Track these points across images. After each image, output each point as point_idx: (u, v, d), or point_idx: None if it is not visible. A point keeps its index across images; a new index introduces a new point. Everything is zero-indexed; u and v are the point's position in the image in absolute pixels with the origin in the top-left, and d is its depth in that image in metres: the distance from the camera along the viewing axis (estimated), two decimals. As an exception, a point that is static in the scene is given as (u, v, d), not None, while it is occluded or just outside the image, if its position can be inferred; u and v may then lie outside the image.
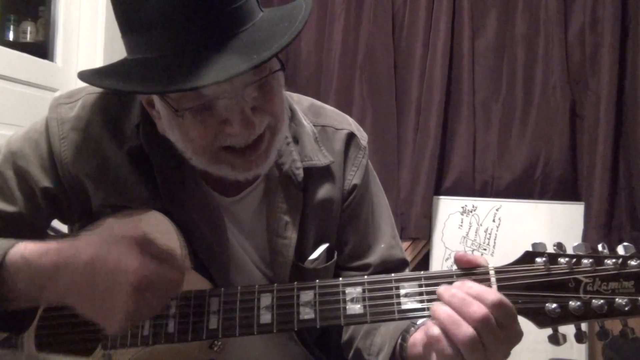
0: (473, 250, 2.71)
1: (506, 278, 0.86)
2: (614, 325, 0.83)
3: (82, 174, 1.04)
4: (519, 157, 2.78)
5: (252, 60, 0.83)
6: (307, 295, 0.91)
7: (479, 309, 0.79)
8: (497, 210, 2.75)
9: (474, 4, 2.85)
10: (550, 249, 0.86)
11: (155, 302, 0.87)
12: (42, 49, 2.75)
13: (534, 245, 0.87)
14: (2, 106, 2.28)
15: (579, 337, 0.84)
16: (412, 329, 0.94)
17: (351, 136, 1.17)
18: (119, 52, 0.96)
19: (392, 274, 0.90)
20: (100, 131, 1.05)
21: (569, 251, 0.86)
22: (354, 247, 1.17)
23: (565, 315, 0.83)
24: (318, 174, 1.12)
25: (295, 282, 0.93)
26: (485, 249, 2.72)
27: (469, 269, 0.88)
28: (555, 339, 0.84)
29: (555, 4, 2.73)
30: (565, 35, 2.73)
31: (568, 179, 2.73)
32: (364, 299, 0.89)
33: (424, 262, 2.83)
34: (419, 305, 0.87)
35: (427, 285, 0.88)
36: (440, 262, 2.77)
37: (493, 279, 0.86)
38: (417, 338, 0.89)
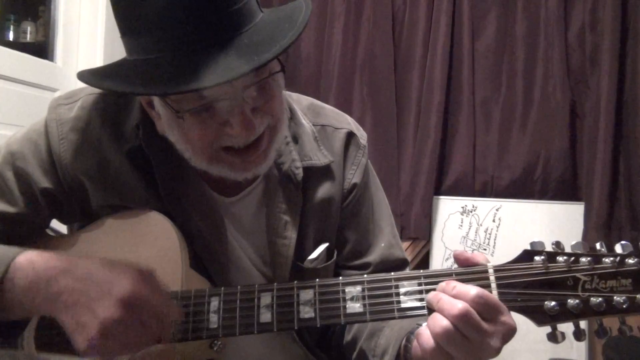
0: (473, 250, 2.71)
1: (505, 276, 0.86)
2: (613, 324, 0.84)
3: (81, 175, 1.05)
4: (519, 157, 2.78)
5: (252, 62, 0.84)
6: (307, 294, 0.91)
7: (456, 305, 0.81)
8: (497, 210, 2.75)
9: (474, 4, 2.85)
10: (549, 248, 0.87)
11: (133, 330, 0.84)
12: (42, 49, 2.75)
13: (532, 243, 0.88)
14: (2, 106, 2.28)
15: (578, 335, 0.84)
16: (417, 330, 0.95)
17: (350, 135, 1.17)
18: (119, 52, 0.96)
19: (392, 273, 0.91)
20: (99, 131, 1.05)
21: (567, 250, 0.86)
22: (353, 246, 1.18)
23: (563, 313, 0.83)
24: (318, 174, 1.12)
25: (295, 282, 0.93)
26: (485, 249, 2.72)
27: (468, 268, 0.88)
28: (554, 337, 0.85)
29: (555, 4, 2.73)
30: (565, 35, 2.73)
31: (568, 179, 2.73)
32: (363, 298, 0.89)
33: (424, 262, 2.83)
34: (418, 304, 0.87)
35: (426, 284, 0.88)
36: (440, 262, 2.77)
37: (492, 278, 0.86)
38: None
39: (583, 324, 0.85)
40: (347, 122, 1.20)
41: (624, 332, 0.82)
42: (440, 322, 0.82)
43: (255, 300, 0.92)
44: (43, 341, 1.01)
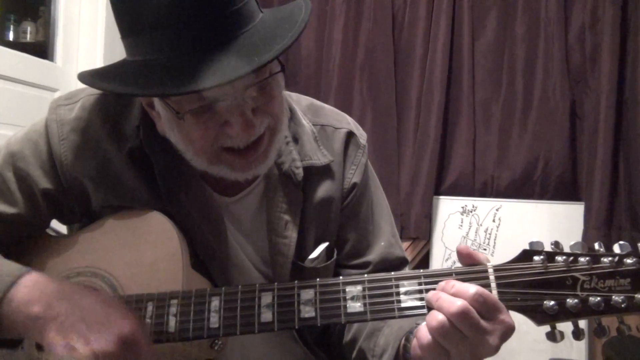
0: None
1: (504, 276, 0.86)
2: (611, 323, 0.84)
3: (82, 175, 1.05)
4: (519, 157, 2.78)
5: (253, 62, 0.84)
6: (307, 294, 0.92)
7: (455, 303, 0.81)
8: (497, 210, 2.75)
9: (474, 3, 2.85)
10: (548, 248, 0.87)
11: None
12: (42, 49, 2.75)
13: (531, 243, 0.88)
14: (2, 106, 2.29)
15: (577, 334, 0.85)
16: (416, 330, 0.95)
17: (350, 135, 1.17)
18: (119, 52, 0.96)
19: (392, 272, 0.91)
20: (100, 132, 1.05)
21: (566, 250, 0.87)
22: (353, 246, 1.18)
23: (562, 313, 0.83)
24: (318, 173, 1.13)
25: (296, 281, 0.93)
26: (485, 249, 2.72)
27: (467, 267, 0.89)
28: (553, 336, 0.85)
29: (555, 4, 2.73)
30: (565, 35, 2.73)
31: (568, 179, 2.73)
32: (364, 297, 0.90)
33: (424, 262, 2.83)
34: (418, 303, 0.88)
35: (426, 283, 0.88)
36: (440, 261, 2.77)
37: (492, 277, 0.87)
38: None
39: (582, 323, 0.86)
40: (347, 122, 1.20)
41: (622, 331, 0.83)
42: (437, 316, 0.82)
43: (256, 299, 0.93)
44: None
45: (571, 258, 0.85)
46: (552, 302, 0.83)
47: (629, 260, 0.83)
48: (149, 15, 0.86)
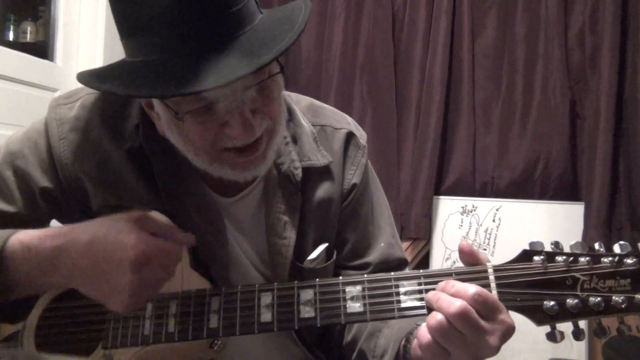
0: (473, 250, 2.70)
1: (504, 276, 0.86)
2: (611, 323, 0.84)
3: (81, 175, 1.05)
4: (519, 157, 2.78)
5: (252, 63, 0.83)
6: (307, 294, 0.92)
7: (454, 303, 0.81)
8: (497, 210, 2.75)
9: (474, 3, 2.85)
10: (548, 248, 0.87)
11: (156, 277, 0.88)
12: (42, 49, 2.75)
13: (531, 243, 0.88)
14: (2, 106, 2.29)
15: (577, 334, 0.85)
16: (416, 330, 0.95)
17: (350, 135, 1.17)
18: (119, 52, 0.96)
19: (392, 273, 0.91)
20: (99, 131, 1.05)
21: (566, 250, 0.87)
22: (353, 246, 1.17)
23: (563, 313, 0.83)
24: (317, 174, 1.12)
25: (296, 281, 0.93)
26: (485, 249, 2.72)
27: (467, 268, 0.88)
28: (553, 337, 0.85)
29: (555, 4, 2.73)
30: (565, 35, 2.73)
31: (568, 179, 2.73)
32: (363, 297, 0.90)
33: (424, 262, 2.83)
34: (418, 304, 0.88)
35: (426, 283, 0.88)
36: (440, 262, 2.77)
37: (492, 277, 0.87)
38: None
39: (582, 323, 0.85)
40: (347, 122, 1.20)
41: (622, 331, 0.83)
42: (436, 316, 0.82)
43: (256, 300, 0.93)
44: (43, 341, 1.01)
45: (571, 258, 0.84)
46: (552, 302, 0.83)
47: (629, 261, 0.83)
48: (147, 16, 0.86)
